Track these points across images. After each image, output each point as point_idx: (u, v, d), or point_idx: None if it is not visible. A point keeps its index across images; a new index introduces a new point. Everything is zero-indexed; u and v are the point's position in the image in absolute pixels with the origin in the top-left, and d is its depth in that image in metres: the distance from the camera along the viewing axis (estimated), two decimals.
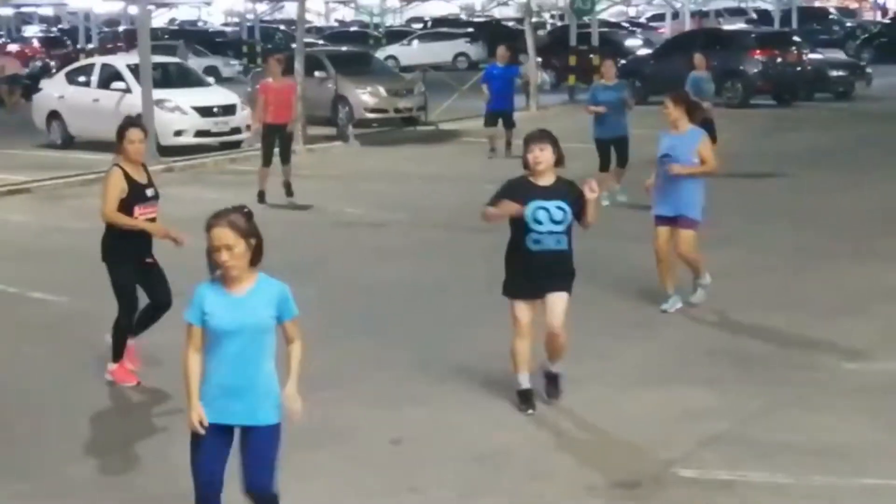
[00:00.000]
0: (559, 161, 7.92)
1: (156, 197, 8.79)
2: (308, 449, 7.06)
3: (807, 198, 16.36)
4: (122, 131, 8.63)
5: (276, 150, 16.63)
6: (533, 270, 7.85)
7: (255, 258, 5.46)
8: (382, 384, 8.73)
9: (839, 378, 8.69)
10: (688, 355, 9.29)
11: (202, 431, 5.41)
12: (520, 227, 7.86)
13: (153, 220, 8.73)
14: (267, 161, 16.71)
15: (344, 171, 20.01)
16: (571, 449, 7.46)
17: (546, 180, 7.87)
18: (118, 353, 8.86)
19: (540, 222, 7.75)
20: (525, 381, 8.08)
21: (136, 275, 8.75)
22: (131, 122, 9.07)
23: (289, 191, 16.76)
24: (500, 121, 21.62)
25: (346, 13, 78.60)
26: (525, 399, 8.06)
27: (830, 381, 8.60)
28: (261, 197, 16.51)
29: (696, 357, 9.22)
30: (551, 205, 7.75)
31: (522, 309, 7.96)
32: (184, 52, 36.90)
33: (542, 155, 7.83)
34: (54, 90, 24.26)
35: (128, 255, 8.68)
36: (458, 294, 11.40)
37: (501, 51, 22.66)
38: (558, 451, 7.44)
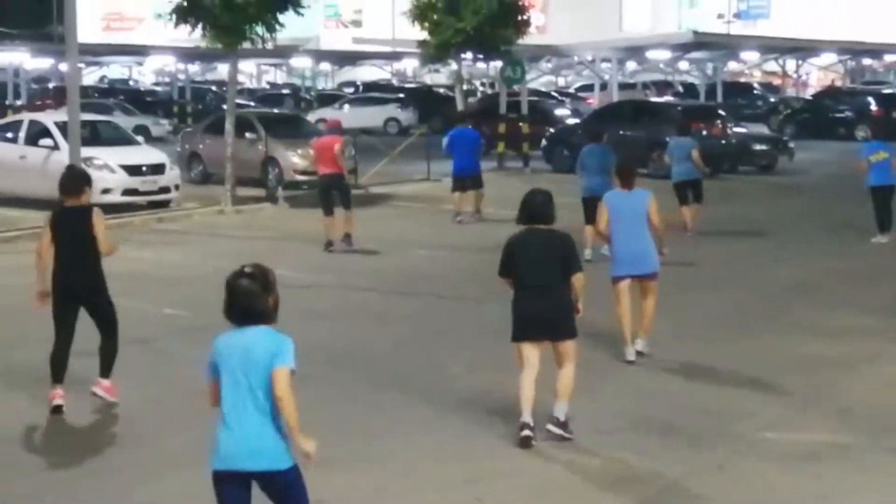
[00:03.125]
0: None
1: None
2: None
3: (730, 268, 16.61)
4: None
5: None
6: None
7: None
8: None
9: (760, 447, 8.80)
10: (609, 422, 9.34)
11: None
12: None
13: None
14: (326, 211, 18.11)
15: (272, 232, 19.98)
16: None
17: None
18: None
19: None
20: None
21: None
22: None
23: (348, 241, 18.09)
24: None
25: (278, 76, 78.82)
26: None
27: (751, 450, 8.70)
28: (327, 246, 17.97)
29: (618, 424, 9.27)
30: None
31: None
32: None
33: None
34: None
35: None
36: (383, 356, 11.40)
37: None
38: None
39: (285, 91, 59.68)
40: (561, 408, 8.79)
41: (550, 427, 8.74)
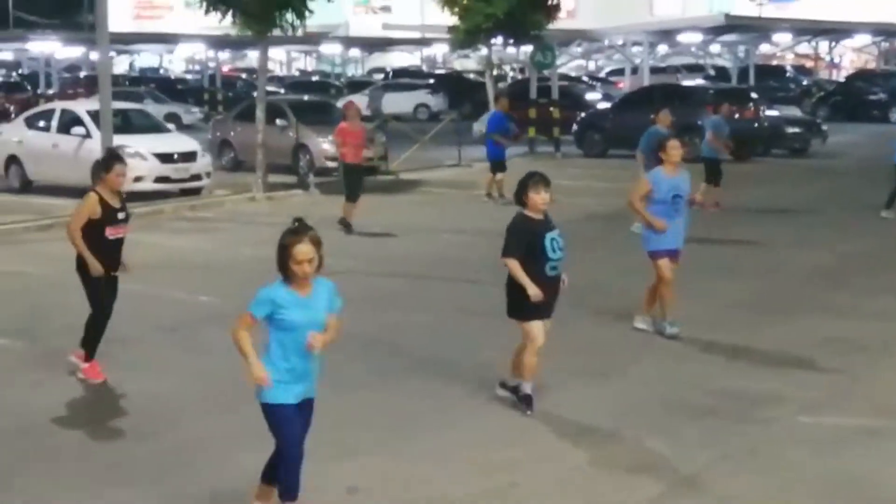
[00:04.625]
0: None
1: (126, 219, 10.01)
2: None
3: (761, 252, 16.53)
4: (108, 164, 9.86)
5: None
6: (548, 294, 8.87)
7: (319, 266, 6.64)
8: (339, 432, 8.70)
9: (792, 431, 8.76)
10: (640, 406, 9.33)
11: (270, 385, 6.45)
12: (538, 258, 8.83)
13: (122, 239, 9.97)
14: (350, 197, 18.79)
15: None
16: (524, 501, 7.46)
17: (540, 214, 8.99)
18: (91, 353, 9.98)
19: (555, 251, 8.85)
20: (529, 388, 9.11)
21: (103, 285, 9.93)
22: (117, 156, 10.27)
23: (342, 224, 18.57)
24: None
25: (308, 63, 78.88)
26: (528, 402, 9.07)
27: (783, 435, 8.66)
28: (346, 227, 18.54)
29: (648, 408, 9.26)
30: (556, 234, 8.93)
31: (539, 328, 8.95)
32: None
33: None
34: (13, 135, 24.16)
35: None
36: (413, 342, 11.40)
37: None
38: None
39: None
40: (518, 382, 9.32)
41: (500, 391, 9.41)
